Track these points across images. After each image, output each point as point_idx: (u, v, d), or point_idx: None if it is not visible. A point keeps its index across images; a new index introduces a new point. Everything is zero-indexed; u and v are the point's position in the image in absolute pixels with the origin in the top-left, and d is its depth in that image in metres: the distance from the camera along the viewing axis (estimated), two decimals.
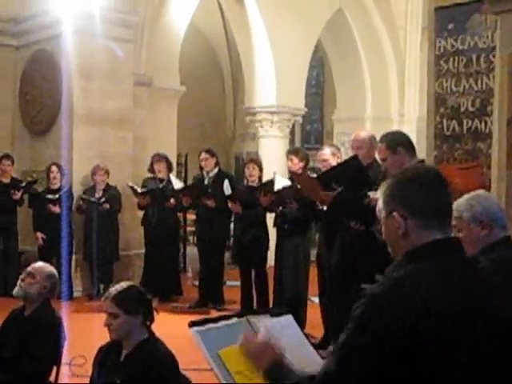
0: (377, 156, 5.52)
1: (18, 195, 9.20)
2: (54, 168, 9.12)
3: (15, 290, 4.21)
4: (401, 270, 1.88)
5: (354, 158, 5.48)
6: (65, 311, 6.07)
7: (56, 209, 8.91)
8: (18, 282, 4.22)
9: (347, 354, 1.79)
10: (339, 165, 5.83)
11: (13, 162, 9.49)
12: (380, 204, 2.01)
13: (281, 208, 7.40)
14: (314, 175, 6.18)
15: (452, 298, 1.81)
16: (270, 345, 2.05)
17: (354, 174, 5.31)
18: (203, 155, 8.62)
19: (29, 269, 4.25)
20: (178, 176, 11.32)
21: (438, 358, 1.75)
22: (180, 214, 10.83)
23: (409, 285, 1.81)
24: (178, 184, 8.76)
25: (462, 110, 6.51)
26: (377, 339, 1.75)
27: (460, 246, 1.96)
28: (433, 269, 1.85)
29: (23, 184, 9.25)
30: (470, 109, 6.45)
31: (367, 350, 1.76)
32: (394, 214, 1.94)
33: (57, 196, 8.95)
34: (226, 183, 8.12)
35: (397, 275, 1.87)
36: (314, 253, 7.38)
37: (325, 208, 5.93)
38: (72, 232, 9.14)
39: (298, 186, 6.55)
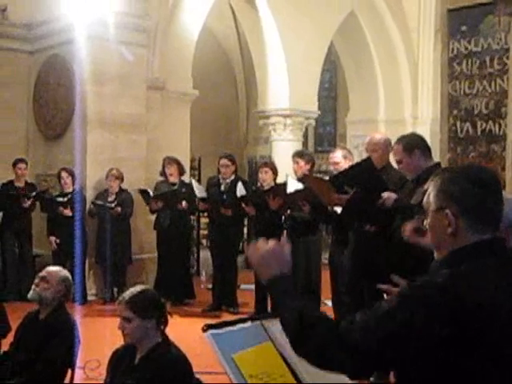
0: (391, 159, 5.51)
1: (27, 203, 9.24)
2: (63, 174, 9.16)
3: (30, 294, 4.23)
4: (448, 269, 1.87)
5: (367, 160, 5.46)
6: (79, 315, 6.09)
7: (67, 211, 8.94)
8: (33, 286, 4.24)
9: (384, 327, 1.78)
10: (352, 167, 5.81)
11: (27, 166, 9.54)
12: (431, 197, 1.99)
13: (289, 211, 7.38)
14: (327, 178, 6.18)
15: (499, 297, 1.81)
16: (279, 253, 2.04)
17: (367, 177, 5.29)
18: (224, 161, 8.56)
19: (42, 273, 4.27)
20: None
21: (480, 355, 1.75)
22: (193, 218, 10.84)
23: (459, 283, 1.80)
24: (200, 192, 8.70)
25: (476, 112, 6.49)
26: (418, 325, 1.75)
27: (504, 246, 1.96)
28: (483, 268, 1.86)
29: (33, 194, 9.28)
30: (484, 111, 6.43)
31: (404, 333, 1.76)
32: (447, 211, 1.93)
33: (66, 198, 8.98)
34: (240, 185, 8.12)
35: (446, 272, 1.86)
36: (325, 255, 7.38)
37: (337, 209, 5.91)
38: (85, 236, 9.18)
39: (309, 188, 6.54)
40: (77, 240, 8.74)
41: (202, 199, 8.59)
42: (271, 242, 2.07)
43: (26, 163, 9.55)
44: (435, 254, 2.03)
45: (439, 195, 1.96)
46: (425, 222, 2.07)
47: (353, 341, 1.80)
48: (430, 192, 2.00)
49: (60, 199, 8.99)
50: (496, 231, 1.95)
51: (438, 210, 1.96)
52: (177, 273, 9.04)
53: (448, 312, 1.75)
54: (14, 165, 9.42)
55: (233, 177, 8.62)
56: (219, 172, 8.68)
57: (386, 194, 4.98)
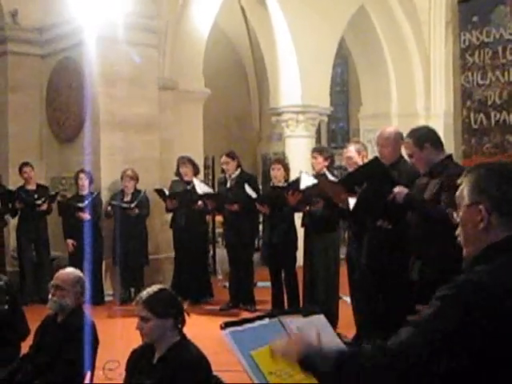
0: (403, 152, 5.48)
1: (44, 206, 9.29)
2: (82, 175, 9.20)
3: (50, 305, 4.23)
4: (485, 265, 1.87)
5: (375, 159, 5.45)
6: (97, 316, 6.09)
7: (86, 215, 8.99)
8: (49, 296, 4.23)
9: (432, 331, 1.77)
10: (361, 167, 5.81)
11: (33, 169, 9.58)
12: (464, 191, 1.99)
13: (308, 207, 7.39)
14: (335, 179, 6.20)
15: None
16: (300, 338, 2.02)
17: (376, 175, 5.29)
18: (224, 159, 8.68)
19: (55, 282, 4.24)
20: (206, 178, 11.35)
21: None
22: (209, 216, 10.86)
23: (494, 278, 1.81)
24: (201, 189, 8.76)
25: (490, 102, 6.44)
26: (462, 325, 1.74)
27: None
28: None
29: (43, 199, 9.32)
30: (498, 101, 6.38)
31: (452, 334, 1.75)
32: (480, 206, 1.93)
33: (86, 203, 9.02)
34: (247, 187, 8.14)
35: (481, 270, 1.86)
36: (343, 251, 7.36)
37: (350, 204, 5.90)
38: (102, 237, 9.22)
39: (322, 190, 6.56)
40: (93, 242, 8.79)
41: (204, 196, 8.62)
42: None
43: (32, 166, 9.57)
44: (463, 251, 2.03)
45: (473, 190, 1.96)
46: (455, 216, 2.06)
47: (404, 356, 1.78)
48: (464, 187, 2.00)
49: (80, 205, 9.01)
50: None
51: (471, 205, 1.96)
52: (194, 272, 9.05)
53: (486, 310, 1.75)
54: (20, 170, 9.47)
55: (237, 172, 8.67)
56: (223, 170, 8.73)
57: (396, 189, 4.96)
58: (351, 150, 6.63)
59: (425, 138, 4.83)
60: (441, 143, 4.88)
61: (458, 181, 2.05)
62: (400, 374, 1.78)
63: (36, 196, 9.32)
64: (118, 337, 6.27)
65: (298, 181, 7.47)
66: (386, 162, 5.71)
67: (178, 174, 9.25)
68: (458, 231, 2.04)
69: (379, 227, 5.45)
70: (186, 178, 9.14)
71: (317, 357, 1.93)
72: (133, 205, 9.09)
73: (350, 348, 1.91)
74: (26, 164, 9.55)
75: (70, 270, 4.45)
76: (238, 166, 8.73)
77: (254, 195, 8.13)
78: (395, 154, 5.72)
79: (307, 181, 7.19)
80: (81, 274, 4.37)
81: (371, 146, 10.65)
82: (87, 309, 4.37)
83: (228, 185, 8.67)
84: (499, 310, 1.75)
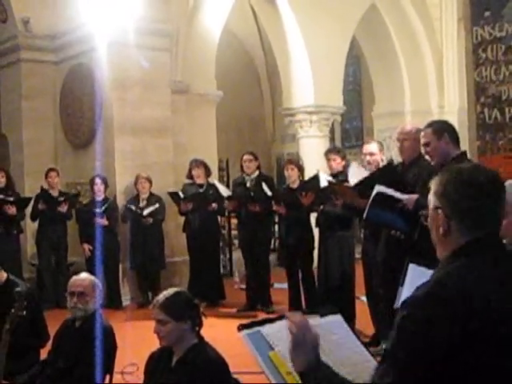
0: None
1: (64, 208, 9.33)
2: (97, 180, 9.24)
3: (75, 312, 4.22)
4: (443, 270, 1.87)
5: (388, 165, 5.47)
6: (115, 320, 6.11)
7: (104, 221, 9.02)
8: (71, 304, 4.23)
9: (404, 360, 1.76)
10: (373, 173, 5.82)
11: (58, 175, 9.65)
12: (430, 195, 1.98)
13: (322, 207, 7.38)
14: (350, 184, 6.22)
15: (495, 293, 1.79)
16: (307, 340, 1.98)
17: (388, 180, 5.29)
18: (246, 156, 8.67)
19: (76, 289, 4.23)
20: (220, 181, 11.36)
21: (487, 353, 1.73)
22: (223, 219, 10.87)
23: (452, 283, 1.79)
24: (225, 191, 8.79)
25: (504, 98, 6.41)
26: (429, 341, 1.73)
27: (497, 240, 1.93)
28: (475, 265, 1.83)
29: (64, 197, 9.38)
30: None
31: (422, 353, 1.73)
32: (439, 211, 1.92)
33: (103, 208, 9.06)
34: (264, 186, 8.16)
35: (439, 275, 1.86)
36: (358, 249, 7.34)
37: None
38: (118, 242, 9.26)
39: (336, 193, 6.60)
40: (110, 246, 8.83)
41: (229, 198, 8.63)
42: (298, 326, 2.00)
43: (57, 172, 9.66)
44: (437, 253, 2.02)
45: (436, 195, 1.95)
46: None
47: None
48: (431, 190, 1.99)
49: (97, 210, 9.05)
50: (494, 230, 1.92)
51: (435, 209, 1.95)
52: (208, 274, 9.06)
53: (443, 320, 1.74)
54: (46, 175, 9.55)
55: (256, 173, 8.67)
56: (242, 170, 8.72)
57: (405, 198, 4.96)
58: (373, 146, 6.62)
59: (444, 128, 4.83)
60: (458, 139, 4.87)
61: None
62: None
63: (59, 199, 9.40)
64: (136, 341, 6.28)
65: (315, 178, 7.47)
66: (406, 157, 5.72)
67: (190, 176, 9.27)
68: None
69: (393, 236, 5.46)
70: (199, 181, 9.15)
71: (316, 379, 1.90)
72: (145, 212, 9.10)
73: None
74: (52, 169, 9.64)
75: (85, 275, 4.46)
76: (258, 167, 8.74)
77: (269, 193, 8.16)
78: (416, 150, 5.68)
79: (325, 181, 7.20)
80: (95, 278, 4.38)
81: (385, 144, 10.62)
82: (105, 313, 4.38)
83: (248, 184, 8.66)
84: (454, 316, 1.73)
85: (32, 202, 9.32)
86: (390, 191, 5.28)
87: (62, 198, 9.36)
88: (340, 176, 7.08)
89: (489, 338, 1.73)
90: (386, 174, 5.48)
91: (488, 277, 1.81)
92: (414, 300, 1.81)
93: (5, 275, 5.08)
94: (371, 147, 6.62)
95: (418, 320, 1.76)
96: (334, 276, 7.25)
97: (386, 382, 1.76)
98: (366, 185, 5.55)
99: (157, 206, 9.22)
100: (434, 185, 1.97)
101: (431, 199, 1.97)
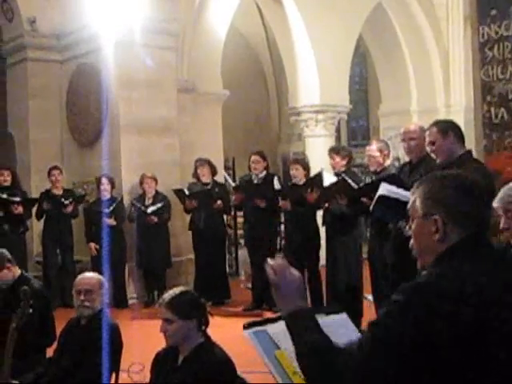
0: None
1: (70, 208, 9.35)
2: (103, 180, 9.23)
3: (82, 311, 4.23)
4: (439, 267, 1.91)
5: (393, 175, 5.51)
6: (121, 319, 6.12)
7: (112, 221, 9.03)
8: (78, 303, 4.23)
9: (383, 337, 1.79)
10: (377, 180, 5.85)
11: (61, 173, 9.66)
12: (417, 202, 2.00)
13: (327, 205, 7.37)
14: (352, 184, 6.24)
15: (489, 288, 1.82)
16: (295, 283, 2.02)
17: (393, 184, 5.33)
18: (254, 157, 8.63)
19: (84, 287, 4.24)
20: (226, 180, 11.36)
21: (479, 346, 1.76)
22: (229, 217, 10.87)
23: (448, 279, 1.83)
24: (233, 183, 8.87)
25: (510, 96, 6.39)
26: (415, 326, 1.76)
27: (485, 239, 1.97)
28: (468, 262, 1.87)
29: (70, 200, 9.38)
30: None
31: (403, 336, 1.76)
32: (436, 217, 1.94)
33: (111, 208, 9.06)
34: (276, 180, 8.17)
35: (437, 271, 1.89)
36: (365, 249, 7.33)
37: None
38: (124, 241, 9.26)
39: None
40: (116, 245, 8.83)
41: (235, 188, 8.68)
42: (283, 269, 2.05)
43: (60, 170, 9.66)
44: (418, 262, 2.05)
45: (427, 202, 1.97)
46: (407, 228, 2.09)
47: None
48: (416, 198, 2.01)
49: (105, 210, 9.06)
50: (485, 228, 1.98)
51: (425, 216, 1.97)
52: (214, 273, 9.06)
53: (425, 310, 1.77)
54: (49, 173, 9.56)
55: (264, 173, 8.64)
56: (250, 169, 8.71)
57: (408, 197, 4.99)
58: (373, 148, 6.63)
59: (450, 126, 4.83)
60: (463, 138, 4.86)
61: (409, 193, 2.07)
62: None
63: (63, 199, 9.39)
64: (142, 340, 6.28)
65: (318, 175, 7.47)
66: (413, 156, 5.71)
67: (196, 176, 9.27)
68: (411, 243, 2.05)
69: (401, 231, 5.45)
70: (204, 179, 9.16)
71: (303, 323, 1.92)
72: (149, 210, 9.10)
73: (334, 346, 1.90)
74: (55, 167, 9.64)
75: (90, 274, 4.47)
76: (266, 167, 8.72)
77: (278, 186, 8.23)
78: (421, 149, 5.66)
79: (329, 178, 7.20)
80: (100, 276, 4.39)
81: (391, 143, 10.60)
82: (111, 312, 4.39)
83: (255, 182, 8.63)
84: (447, 312, 1.76)
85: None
86: (395, 191, 5.27)
87: (67, 201, 9.33)
88: (340, 179, 7.07)
89: (480, 329, 1.76)
90: (390, 182, 5.52)
91: (481, 271, 1.85)
92: (412, 288, 1.85)
93: (18, 271, 5.10)
94: (371, 150, 6.67)
95: (402, 308, 1.80)
96: (342, 275, 7.24)
97: (358, 355, 1.81)
98: (370, 189, 5.57)
99: (162, 204, 9.21)
100: (420, 193, 2.01)
101: (419, 207, 1.99)
